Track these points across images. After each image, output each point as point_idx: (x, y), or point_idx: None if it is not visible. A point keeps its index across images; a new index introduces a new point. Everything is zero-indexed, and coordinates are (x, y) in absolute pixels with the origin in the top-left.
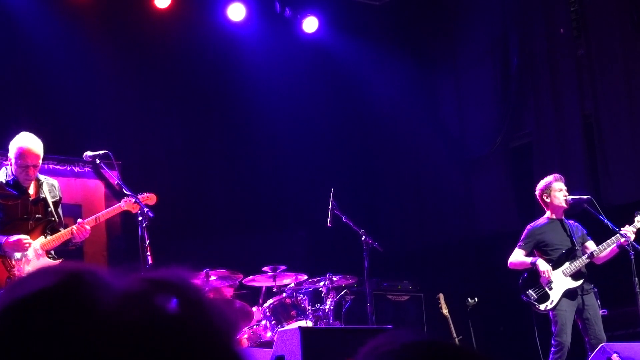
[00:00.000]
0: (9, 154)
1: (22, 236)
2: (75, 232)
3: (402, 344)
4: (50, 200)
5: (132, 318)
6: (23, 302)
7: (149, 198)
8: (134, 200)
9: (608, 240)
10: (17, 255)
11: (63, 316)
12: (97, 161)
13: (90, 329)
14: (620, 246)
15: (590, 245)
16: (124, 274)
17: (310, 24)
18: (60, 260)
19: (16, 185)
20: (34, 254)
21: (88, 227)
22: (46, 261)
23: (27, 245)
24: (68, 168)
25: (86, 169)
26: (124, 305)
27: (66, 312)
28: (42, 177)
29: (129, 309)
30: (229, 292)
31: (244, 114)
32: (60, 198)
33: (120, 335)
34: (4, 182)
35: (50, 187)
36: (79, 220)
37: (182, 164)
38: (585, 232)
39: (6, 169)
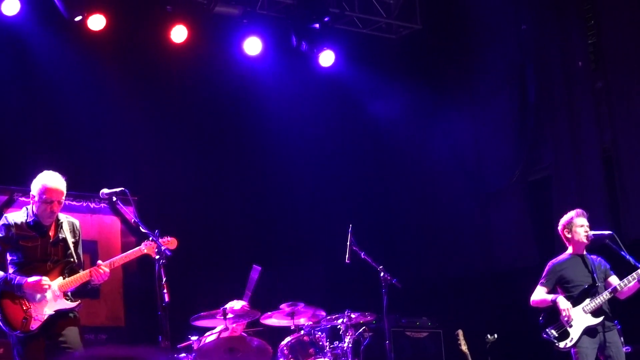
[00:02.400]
0: (31, 192)
1: (41, 278)
2: (93, 274)
3: None
4: (70, 241)
5: None
6: None
7: (170, 242)
8: (151, 239)
9: (629, 276)
10: (37, 296)
11: None
12: (114, 198)
13: None
14: None
15: (613, 280)
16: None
17: (326, 58)
18: (78, 302)
19: (37, 226)
20: (51, 295)
21: (107, 270)
22: (64, 303)
23: (47, 287)
24: (84, 204)
25: (102, 205)
26: None
27: None
28: (62, 216)
29: None
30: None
31: (261, 149)
32: (80, 237)
33: None
34: (25, 222)
35: (71, 227)
36: (98, 262)
37: (199, 199)
38: (608, 266)
39: (27, 209)
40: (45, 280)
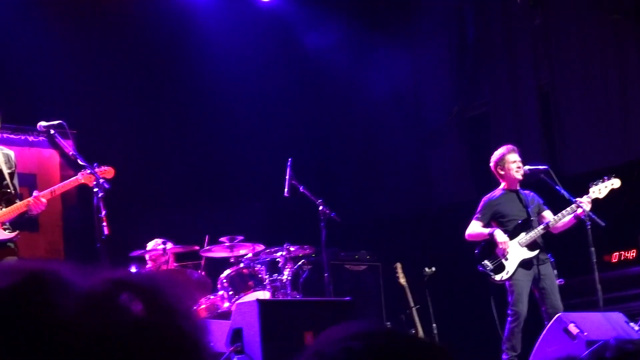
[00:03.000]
0: None
1: None
2: (31, 204)
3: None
4: (5, 172)
5: (94, 319)
6: None
7: (107, 172)
8: (89, 171)
9: (564, 211)
10: None
11: (23, 317)
12: (52, 131)
13: (51, 331)
14: (577, 217)
15: (547, 215)
16: (87, 273)
17: None
18: (16, 232)
19: None
20: None
21: (44, 200)
22: (1, 233)
23: None
24: (22, 137)
25: (41, 138)
26: (87, 306)
27: (26, 313)
28: None
29: (92, 310)
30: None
31: (200, 84)
32: (16, 169)
33: (82, 337)
34: None
35: (6, 158)
36: (35, 192)
37: (138, 133)
38: (541, 202)
39: None
40: None
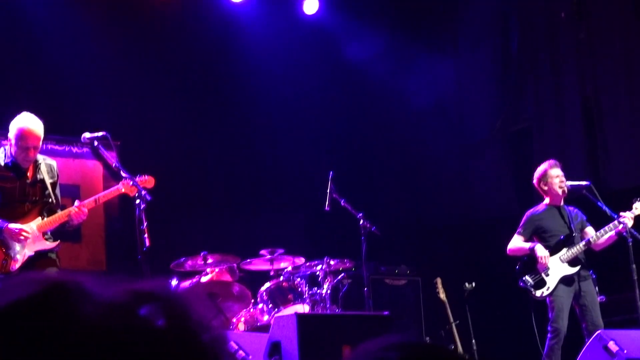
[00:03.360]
0: (9, 134)
1: (23, 227)
2: (72, 214)
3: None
4: (48, 182)
5: (115, 329)
6: (3, 311)
7: (147, 181)
8: (131, 182)
9: (606, 227)
10: (15, 243)
11: (44, 326)
12: (95, 143)
13: (72, 340)
14: (619, 233)
15: (590, 231)
16: (109, 284)
17: (310, 5)
18: (57, 242)
19: (15, 167)
20: (31, 236)
21: (85, 210)
22: (43, 243)
23: (24, 238)
24: (66, 148)
25: (85, 149)
26: (107, 317)
27: (47, 322)
28: (40, 157)
29: (112, 320)
30: (226, 276)
31: (243, 95)
32: (58, 179)
33: (102, 347)
34: (2, 164)
35: (48, 168)
36: (77, 201)
37: (181, 145)
38: (584, 218)
39: (4, 149)
40: (26, 231)
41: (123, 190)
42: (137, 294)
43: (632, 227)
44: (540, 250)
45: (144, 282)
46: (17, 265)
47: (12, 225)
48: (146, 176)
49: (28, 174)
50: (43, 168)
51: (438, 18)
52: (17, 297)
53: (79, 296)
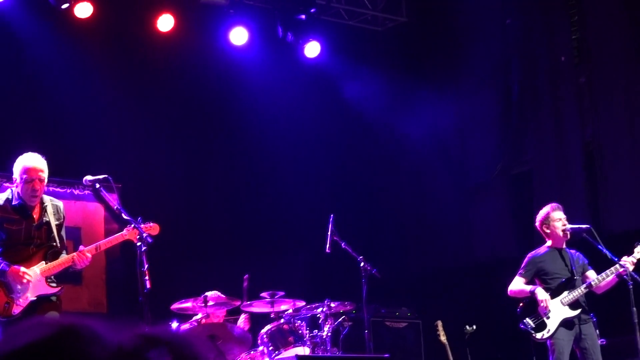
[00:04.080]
0: (14, 174)
1: (21, 269)
2: (76, 259)
3: None
4: (53, 224)
5: None
6: (17, 354)
7: (152, 228)
8: (134, 226)
9: (607, 271)
10: (17, 285)
11: None
12: (97, 185)
13: None
14: (619, 276)
15: (591, 274)
16: (119, 329)
17: (312, 49)
18: (60, 287)
19: (21, 209)
20: (34, 280)
21: (89, 255)
22: (46, 288)
23: (26, 280)
24: (68, 190)
25: (86, 191)
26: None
27: None
28: (47, 198)
29: None
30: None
31: (245, 138)
32: (64, 220)
33: None
34: (9, 205)
35: (55, 209)
36: (81, 247)
37: (182, 187)
38: (586, 261)
39: (11, 191)
40: (27, 273)
41: (127, 236)
42: (145, 338)
43: (633, 270)
44: (541, 294)
45: (151, 327)
46: (19, 310)
47: (15, 268)
48: (151, 223)
49: (34, 216)
50: (49, 209)
51: (440, 61)
52: (31, 339)
53: (90, 340)
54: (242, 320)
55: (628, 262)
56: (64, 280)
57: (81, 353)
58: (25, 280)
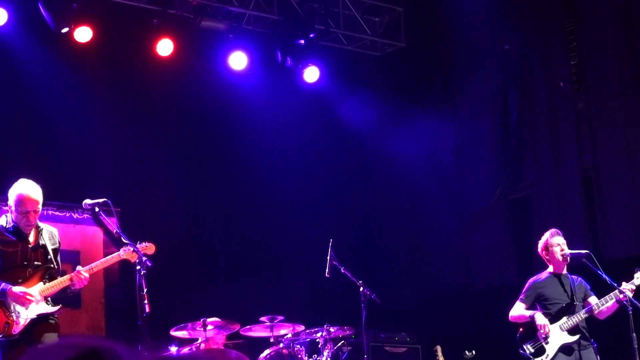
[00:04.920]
0: (8, 202)
1: (27, 290)
2: (74, 279)
3: None
4: (50, 248)
5: None
6: None
7: (148, 248)
8: (132, 249)
9: (606, 296)
10: (17, 305)
11: None
12: (96, 209)
13: None
14: (619, 302)
15: (592, 300)
16: (140, 352)
17: (311, 74)
18: (59, 307)
19: (16, 232)
20: (34, 298)
21: (87, 275)
22: (45, 307)
23: (29, 301)
24: (67, 214)
25: (85, 215)
26: None
27: None
28: (41, 224)
29: None
30: (221, 342)
31: (244, 163)
32: (59, 245)
33: None
34: (4, 227)
35: (50, 235)
36: (78, 267)
37: (181, 212)
38: (588, 287)
39: (6, 216)
40: (29, 293)
41: (123, 256)
42: None
43: (633, 296)
44: (540, 319)
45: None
46: (19, 329)
47: (16, 289)
48: (147, 243)
49: (30, 239)
50: (45, 234)
51: (438, 86)
52: None
53: None
54: None
55: (627, 288)
56: (64, 304)
57: None
58: (27, 301)
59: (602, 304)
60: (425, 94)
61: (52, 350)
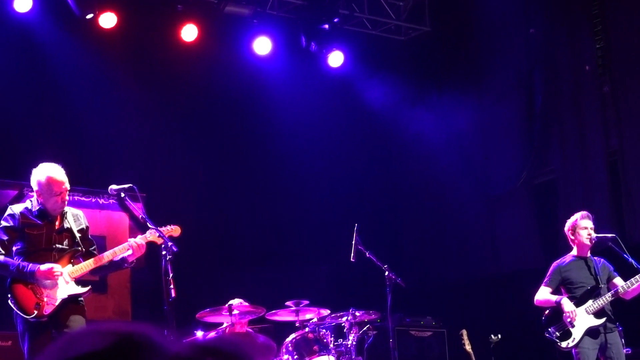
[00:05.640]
0: (34, 187)
1: (53, 265)
2: (134, 247)
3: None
4: (75, 229)
5: None
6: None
7: (174, 230)
8: (158, 234)
9: (632, 279)
10: (47, 282)
11: None
12: (122, 194)
13: None
14: None
15: (618, 282)
16: (174, 337)
17: (335, 59)
18: (88, 287)
19: (42, 215)
20: (63, 280)
21: (143, 242)
22: (75, 288)
23: (58, 274)
24: (93, 200)
25: (111, 201)
26: None
27: None
28: (65, 208)
29: None
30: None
31: (269, 148)
32: (87, 227)
33: None
34: (29, 211)
35: (75, 217)
36: (130, 239)
37: (207, 197)
38: (612, 269)
39: (31, 200)
40: (56, 267)
41: (149, 238)
42: (203, 348)
43: None
44: (567, 305)
45: (208, 338)
46: (50, 310)
47: (43, 267)
48: (172, 225)
49: (56, 222)
50: (70, 217)
51: (463, 70)
52: (90, 348)
53: (149, 348)
54: None
55: None
56: (93, 287)
57: None
58: (57, 274)
59: (627, 287)
60: (450, 78)
61: (86, 337)
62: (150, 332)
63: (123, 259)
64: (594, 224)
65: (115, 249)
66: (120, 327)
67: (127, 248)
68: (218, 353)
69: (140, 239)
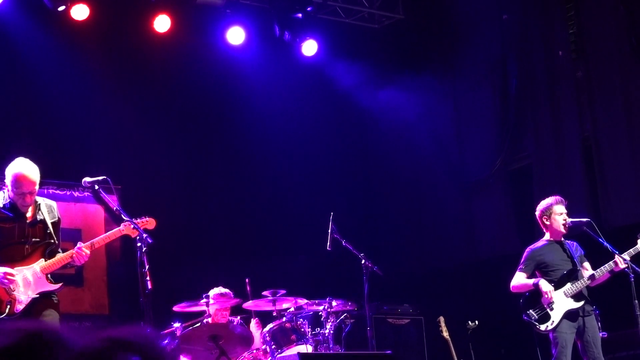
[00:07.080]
0: (5, 180)
1: (8, 270)
2: (75, 255)
3: None
4: (49, 222)
5: None
6: None
7: (148, 222)
8: (132, 226)
9: (606, 265)
10: (18, 279)
11: None
12: (96, 187)
13: None
14: (611, 272)
15: (587, 266)
16: (86, 333)
17: (309, 48)
18: (60, 284)
19: (13, 209)
20: (34, 277)
21: (88, 251)
22: (46, 285)
23: (9, 281)
24: (68, 193)
25: (86, 193)
26: None
27: None
28: (39, 199)
29: None
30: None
31: (243, 138)
32: (59, 219)
33: None
34: (0, 204)
35: (48, 208)
36: (79, 243)
37: (181, 188)
38: (583, 253)
39: (4, 192)
40: (10, 273)
41: (124, 231)
42: (113, 341)
43: (634, 262)
44: (545, 285)
45: (121, 330)
46: (22, 307)
47: (1, 269)
48: (147, 217)
49: (28, 215)
50: (43, 208)
51: (437, 58)
52: None
53: (54, 345)
54: (253, 325)
55: (626, 258)
56: (66, 283)
57: (44, 357)
58: (7, 281)
59: (602, 272)
60: (424, 65)
61: None
62: (58, 328)
63: (68, 263)
64: (566, 208)
65: (109, 233)
66: (27, 325)
67: (119, 233)
68: (128, 345)
69: (85, 248)
